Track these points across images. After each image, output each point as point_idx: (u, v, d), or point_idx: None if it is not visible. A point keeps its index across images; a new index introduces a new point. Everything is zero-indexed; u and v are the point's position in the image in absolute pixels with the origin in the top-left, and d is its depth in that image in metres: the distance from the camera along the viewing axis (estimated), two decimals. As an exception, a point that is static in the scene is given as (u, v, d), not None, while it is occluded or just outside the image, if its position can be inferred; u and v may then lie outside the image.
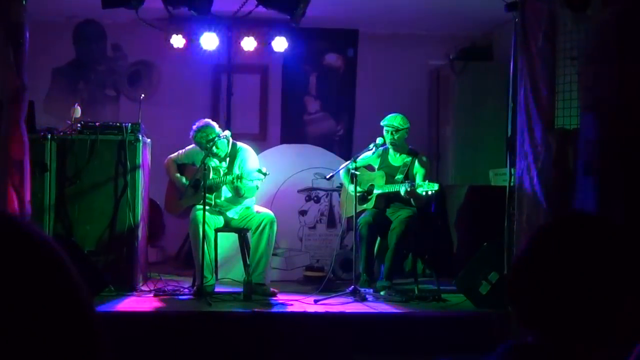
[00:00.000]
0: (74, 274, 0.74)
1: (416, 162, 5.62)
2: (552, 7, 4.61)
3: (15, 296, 0.69)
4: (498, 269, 5.01)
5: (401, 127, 5.59)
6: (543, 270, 1.19)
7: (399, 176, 5.59)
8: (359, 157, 5.58)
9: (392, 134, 5.59)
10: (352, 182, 5.44)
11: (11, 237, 0.73)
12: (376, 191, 5.61)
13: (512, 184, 4.86)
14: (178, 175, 5.64)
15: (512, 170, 4.84)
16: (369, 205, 5.67)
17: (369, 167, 5.89)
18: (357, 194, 5.55)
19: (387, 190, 5.52)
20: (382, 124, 5.63)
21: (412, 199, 5.41)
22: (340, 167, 5.72)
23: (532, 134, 4.63)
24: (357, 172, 5.41)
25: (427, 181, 5.20)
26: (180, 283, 5.60)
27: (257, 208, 5.57)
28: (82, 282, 0.74)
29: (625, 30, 4.08)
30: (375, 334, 4.70)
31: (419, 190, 5.15)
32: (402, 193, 5.29)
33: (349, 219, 5.84)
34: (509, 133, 4.95)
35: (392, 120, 5.60)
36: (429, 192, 5.11)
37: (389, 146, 5.67)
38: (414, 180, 5.53)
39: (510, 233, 4.81)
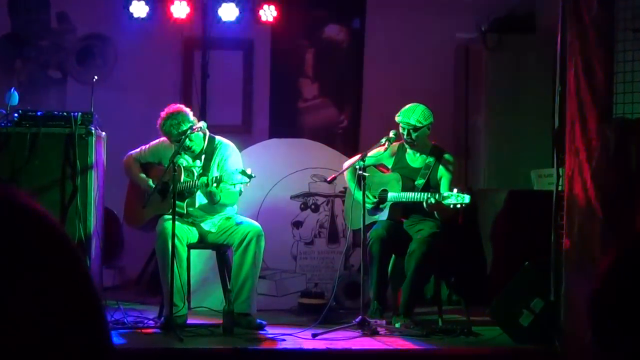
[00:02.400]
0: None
1: (441, 164, 5.64)
2: (609, -34, 4.64)
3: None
4: (543, 294, 5.03)
5: (421, 125, 5.59)
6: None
7: (420, 181, 5.60)
8: (369, 154, 5.59)
9: (409, 132, 5.60)
10: (360, 186, 5.46)
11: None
12: (391, 195, 5.61)
13: (560, 187, 4.88)
14: (142, 175, 5.65)
15: (561, 170, 4.86)
16: (382, 216, 5.69)
17: (381, 166, 5.90)
18: (368, 202, 5.57)
19: (404, 200, 5.54)
20: (396, 119, 5.63)
21: (436, 212, 5.42)
22: (345, 167, 5.74)
23: (585, 125, 4.65)
24: (366, 174, 5.42)
25: (455, 191, 5.21)
26: (144, 313, 5.61)
27: (240, 219, 5.59)
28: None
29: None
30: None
31: (446, 203, 5.17)
32: (425, 206, 5.32)
33: (356, 232, 5.86)
34: (556, 124, 4.97)
35: (409, 116, 5.59)
36: (457, 206, 5.13)
37: (405, 144, 5.69)
38: (437, 185, 5.55)
39: (558, 249, 4.83)
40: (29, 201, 0.92)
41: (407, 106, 5.65)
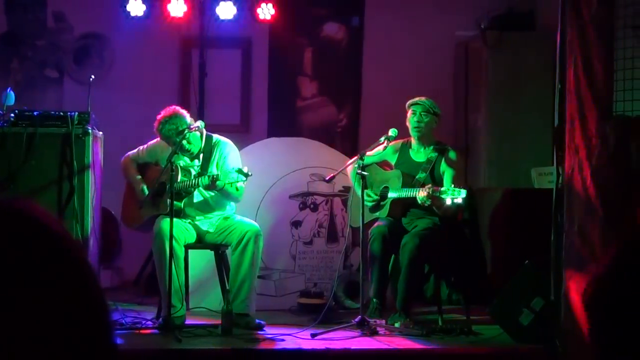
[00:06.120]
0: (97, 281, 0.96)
1: (443, 159, 5.66)
2: (608, -38, 4.65)
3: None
4: (543, 293, 5.03)
5: (432, 110, 5.67)
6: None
7: (421, 175, 5.62)
8: (369, 153, 5.61)
9: (420, 115, 5.64)
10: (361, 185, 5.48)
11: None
12: (391, 192, 5.63)
13: (560, 186, 4.88)
14: (139, 177, 5.66)
15: (560, 168, 4.87)
16: (383, 213, 5.70)
17: (385, 164, 5.91)
18: (368, 200, 5.59)
19: (403, 195, 5.56)
20: (408, 103, 5.71)
21: (434, 207, 5.43)
22: (346, 165, 5.74)
23: (585, 123, 4.66)
24: (365, 173, 5.43)
25: (453, 186, 5.22)
26: (142, 314, 5.62)
27: (238, 218, 5.60)
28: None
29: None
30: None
31: (442, 197, 5.18)
32: (419, 200, 5.33)
33: (355, 231, 5.88)
34: (556, 122, 4.98)
35: (422, 101, 5.70)
36: (454, 200, 5.14)
37: (413, 131, 5.69)
38: (441, 180, 5.57)
39: (558, 248, 4.84)
40: (40, 212, 0.96)
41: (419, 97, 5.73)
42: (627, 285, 1.18)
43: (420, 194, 5.31)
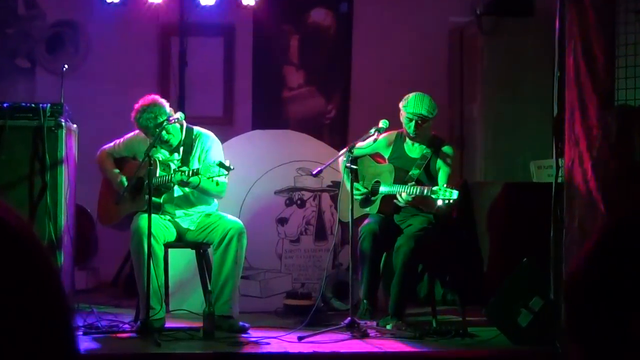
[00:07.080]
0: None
1: (439, 156, 5.62)
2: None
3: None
4: (542, 293, 5.04)
5: (431, 116, 5.57)
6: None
7: (415, 171, 5.59)
8: (359, 144, 5.59)
9: (417, 124, 5.56)
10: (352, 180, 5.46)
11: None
12: (382, 188, 5.60)
13: (559, 179, 4.88)
14: (116, 171, 5.62)
15: (560, 161, 4.87)
16: (373, 209, 5.68)
17: (378, 156, 5.87)
18: (357, 194, 5.57)
19: (395, 192, 5.53)
20: (403, 108, 5.58)
21: (422, 207, 5.43)
22: (335, 158, 5.72)
23: (585, 113, 4.66)
24: (355, 167, 5.42)
25: (445, 185, 5.20)
26: (119, 316, 5.61)
27: (220, 215, 5.57)
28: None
29: None
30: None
31: (434, 197, 5.16)
32: (401, 202, 5.33)
33: (345, 228, 5.86)
34: (555, 112, 4.97)
35: (419, 107, 5.53)
36: (446, 202, 5.13)
37: (408, 135, 5.66)
38: (435, 178, 5.54)
39: (557, 244, 4.84)
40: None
41: (414, 95, 5.59)
42: (606, 273, 1.18)
43: (403, 195, 5.29)
